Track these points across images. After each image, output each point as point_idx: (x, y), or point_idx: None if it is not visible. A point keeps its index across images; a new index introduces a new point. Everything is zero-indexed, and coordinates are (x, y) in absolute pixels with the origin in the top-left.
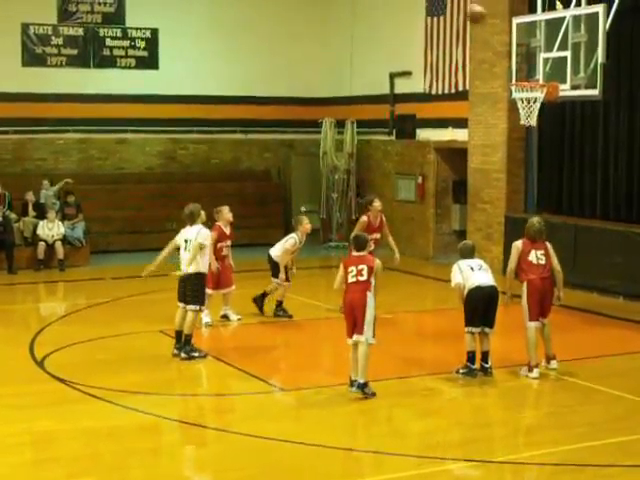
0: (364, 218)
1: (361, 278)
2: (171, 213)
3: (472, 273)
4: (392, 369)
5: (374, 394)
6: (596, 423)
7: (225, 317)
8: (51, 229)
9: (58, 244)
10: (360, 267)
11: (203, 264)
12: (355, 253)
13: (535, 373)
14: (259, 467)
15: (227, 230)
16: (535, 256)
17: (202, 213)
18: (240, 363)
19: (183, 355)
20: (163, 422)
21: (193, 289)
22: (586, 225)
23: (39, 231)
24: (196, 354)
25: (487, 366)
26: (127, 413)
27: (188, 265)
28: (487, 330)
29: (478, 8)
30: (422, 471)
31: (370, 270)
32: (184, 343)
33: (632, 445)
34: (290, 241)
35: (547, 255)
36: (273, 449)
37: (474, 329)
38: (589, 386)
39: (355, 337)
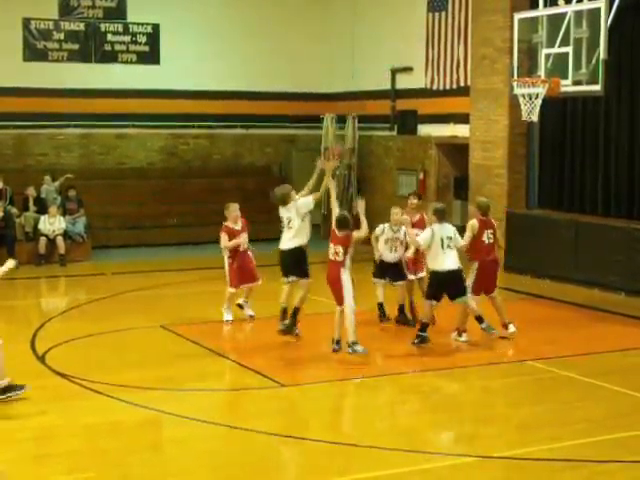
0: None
1: (338, 258)
2: (172, 208)
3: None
4: (391, 365)
5: (365, 351)
6: (596, 419)
7: (240, 306)
8: (52, 224)
9: (59, 239)
10: (337, 248)
11: (306, 235)
12: (338, 233)
13: (465, 337)
14: (260, 462)
15: (237, 226)
16: (487, 236)
17: (293, 192)
18: (241, 359)
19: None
20: (164, 417)
21: (299, 262)
22: (587, 221)
23: (40, 226)
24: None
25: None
26: (128, 408)
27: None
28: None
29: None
30: (422, 467)
31: (345, 250)
32: (292, 316)
33: (632, 441)
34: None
35: (495, 233)
36: (274, 444)
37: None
38: (590, 382)
39: (338, 307)
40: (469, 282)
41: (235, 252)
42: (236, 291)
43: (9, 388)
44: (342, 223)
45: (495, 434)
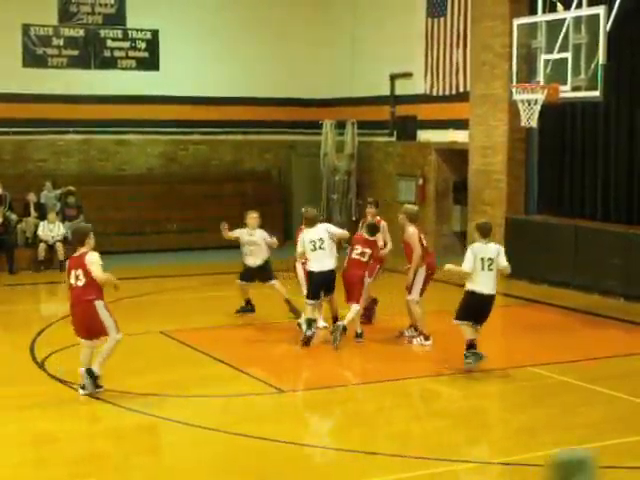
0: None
1: (363, 259)
2: (172, 214)
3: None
4: (392, 370)
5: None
6: (596, 424)
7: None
8: (52, 230)
9: (59, 245)
10: (365, 250)
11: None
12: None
13: (430, 341)
14: (259, 469)
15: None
16: (423, 240)
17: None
18: (240, 364)
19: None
20: (164, 423)
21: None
22: (587, 226)
23: (40, 232)
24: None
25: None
26: (128, 414)
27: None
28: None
29: None
30: (421, 473)
31: (371, 254)
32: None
33: (633, 447)
34: None
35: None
36: (273, 451)
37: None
38: (589, 387)
39: (349, 303)
40: (417, 287)
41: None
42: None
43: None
44: (373, 229)
45: (495, 440)
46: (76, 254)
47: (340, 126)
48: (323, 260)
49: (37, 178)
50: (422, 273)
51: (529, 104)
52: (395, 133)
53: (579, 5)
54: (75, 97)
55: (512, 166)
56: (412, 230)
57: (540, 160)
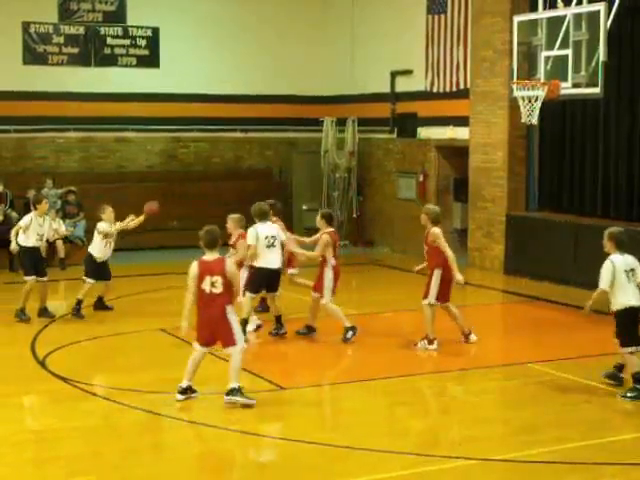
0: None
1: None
2: (172, 212)
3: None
4: (392, 367)
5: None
6: (597, 422)
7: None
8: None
9: (59, 243)
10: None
11: None
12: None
13: (435, 345)
14: (259, 465)
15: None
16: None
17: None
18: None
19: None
20: (164, 420)
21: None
22: (587, 223)
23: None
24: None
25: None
26: (128, 411)
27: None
28: None
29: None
30: (422, 469)
31: None
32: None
33: (633, 444)
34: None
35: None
36: (273, 447)
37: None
38: (590, 384)
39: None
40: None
41: None
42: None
43: (189, 389)
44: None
45: (496, 436)
46: (209, 258)
47: (341, 123)
48: (273, 258)
49: (38, 176)
50: (438, 275)
51: (529, 101)
52: (395, 130)
53: (579, 2)
54: (75, 95)
55: (512, 163)
56: (437, 231)
57: (540, 157)
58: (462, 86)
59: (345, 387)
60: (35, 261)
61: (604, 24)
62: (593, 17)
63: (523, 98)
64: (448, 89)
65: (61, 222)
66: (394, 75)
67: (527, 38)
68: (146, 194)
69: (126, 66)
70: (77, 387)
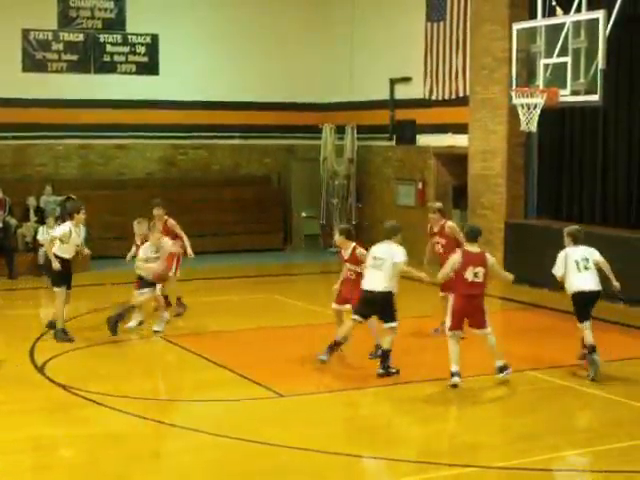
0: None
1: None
2: (171, 218)
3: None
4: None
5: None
6: (596, 429)
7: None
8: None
9: None
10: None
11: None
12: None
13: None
14: (259, 473)
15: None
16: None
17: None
18: (240, 369)
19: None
20: (163, 428)
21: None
22: (586, 230)
23: (39, 236)
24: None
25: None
26: (128, 419)
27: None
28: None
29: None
30: (423, 476)
31: None
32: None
33: (633, 451)
34: None
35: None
36: (273, 455)
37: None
38: (589, 392)
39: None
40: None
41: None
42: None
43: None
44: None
45: (496, 444)
46: (472, 250)
47: (339, 130)
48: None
49: (37, 183)
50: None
51: (528, 108)
52: (394, 137)
53: (578, 9)
54: (74, 101)
55: (511, 170)
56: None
57: (539, 164)
58: (461, 93)
59: (345, 395)
60: (69, 273)
61: (603, 32)
62: (592, 25)
63: (522, 105)
64: (447, 96)
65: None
66: (393, 82)
67: (526, 46)
68: (145, 201)
69: (125, 73)
70: (76, 394)
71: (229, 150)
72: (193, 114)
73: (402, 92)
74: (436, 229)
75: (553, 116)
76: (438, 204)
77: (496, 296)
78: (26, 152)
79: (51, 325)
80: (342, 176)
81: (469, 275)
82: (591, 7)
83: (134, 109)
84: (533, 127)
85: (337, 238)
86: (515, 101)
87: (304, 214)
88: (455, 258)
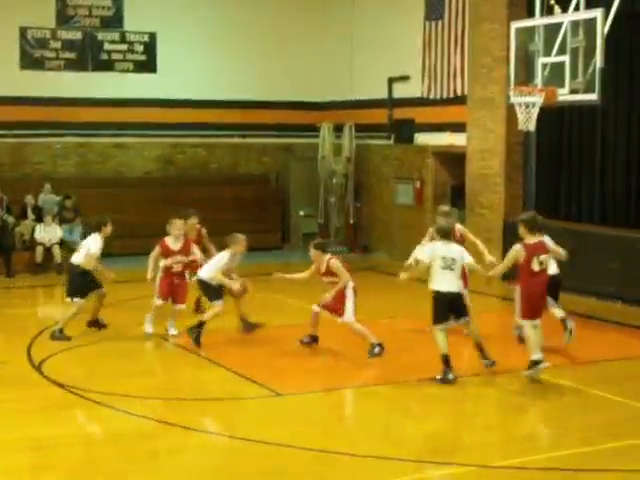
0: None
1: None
2: (169, 217)
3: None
4: (390, 373)
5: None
6: (594, 428)
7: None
8: (48, 232)
9: (55, 248)
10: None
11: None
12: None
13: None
14: (258, 472)
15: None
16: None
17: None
18: (238, 368)
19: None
20: (162, 427)
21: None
22: (584, 230)
23: (37, 234)
24: None
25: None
26: (126, 418)
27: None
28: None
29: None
30: (421, 476)
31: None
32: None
33: (630, 450)
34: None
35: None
36: (272, 454)
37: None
38: (587, 391)
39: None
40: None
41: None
42: (161, 304)
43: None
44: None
45: (493, 443)
46: (531, 241)
47: (338, 129)
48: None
49: (35, 181)
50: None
51: (527, 107)
52: (393, 136)
53: (577, 8)
54: (72, 100)
55: (510, 169)
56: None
57: (538, 163)
58: (459, 92)
59: (342, 393)
60: (90, 284)
61: (601, 30)
62: (590, 24)
63: (520, 105)
64: (445, 95)
65: (58, 227)
66: (391, 81)
67: (524, 45)
68: (143, 199)
69: (123, 71)
70: (73, 393)
71: (227, 149)
72: (191, 113)
73: (400, 91)
74: None
75: (552, 115)
76: (445, 208)
77: (494, 295)
78: (24, 150)
79: (93, 324)
80: (340, 175)
81: (535, 266)
82: (589, 6)
83: (132, 107)
84: (531, 126)
85: (312, 252)
86: (513, 100)
87: (302, 213)
88: (518, 252)
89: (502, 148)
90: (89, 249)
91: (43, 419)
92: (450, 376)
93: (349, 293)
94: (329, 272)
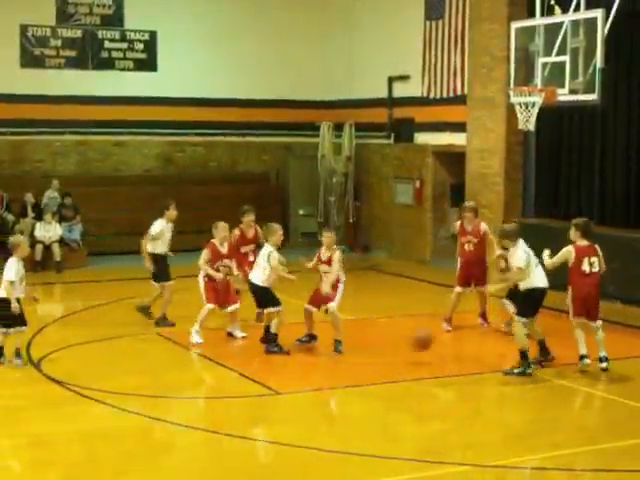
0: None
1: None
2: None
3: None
4: (388, 373)
5: None
6: (594, 428)
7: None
8: (48, 231)
9: (55, 246)
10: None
11: None
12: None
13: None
14: (256, 470)
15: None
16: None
17: None
18: (238, 366)
19: None
20: (160, 425)
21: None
22: None
23: (36, 232)
24: None
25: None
26: (125, 416)
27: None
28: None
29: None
30: (418, 475)
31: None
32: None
33: (630, 450)
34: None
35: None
36: (271, 452)
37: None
38: (587, 391)
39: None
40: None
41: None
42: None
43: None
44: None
45: (492, 442)
46: (583, 243)
47: (338, 128)
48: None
49: (34, 179)
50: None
51: (527, 107)
52: (392, 135)
53: (577, 8)
54: (72, 98)
55: (509, 169)
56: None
57: (537, 163)
58: (459, 92)
59: (341, 392)
60: (168, 267)
61: (601, 31)
62: (590, 24)
63: (520, 104)
64: (445, 95)
65: (57, 226)
66: (391, 80)
67: (525, 44)
68: (142, 198)
69: (123, 69)
70: (73, 390)
71: (227, 147)
72: (191, 111)
73: (400, 90)
74: (470, 228)
75: (551, 115)
76: (472, 203)
77: (495, 296)
78: (24, 148)
79: (143, 310)
80: (340, 174)
81: (586, 267)
82: (589, 6)
83: (132, 105)
84: (531, 126)
85: (328, 235)
86: (513, 100)
87: (302, 212)
88: (569, 252)
89: (502, 148)
90: (150, 232)
91: (41, 416)
92: (529, 370)
93: (341, 287)
94: (330, 261)
